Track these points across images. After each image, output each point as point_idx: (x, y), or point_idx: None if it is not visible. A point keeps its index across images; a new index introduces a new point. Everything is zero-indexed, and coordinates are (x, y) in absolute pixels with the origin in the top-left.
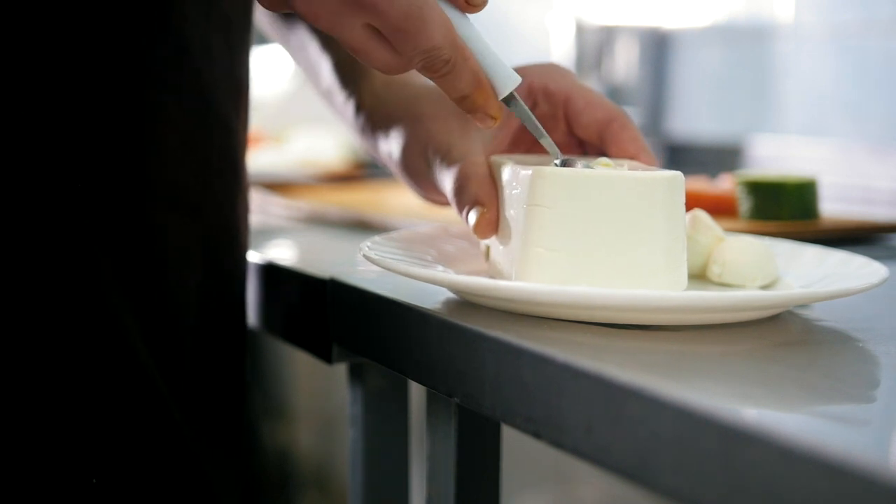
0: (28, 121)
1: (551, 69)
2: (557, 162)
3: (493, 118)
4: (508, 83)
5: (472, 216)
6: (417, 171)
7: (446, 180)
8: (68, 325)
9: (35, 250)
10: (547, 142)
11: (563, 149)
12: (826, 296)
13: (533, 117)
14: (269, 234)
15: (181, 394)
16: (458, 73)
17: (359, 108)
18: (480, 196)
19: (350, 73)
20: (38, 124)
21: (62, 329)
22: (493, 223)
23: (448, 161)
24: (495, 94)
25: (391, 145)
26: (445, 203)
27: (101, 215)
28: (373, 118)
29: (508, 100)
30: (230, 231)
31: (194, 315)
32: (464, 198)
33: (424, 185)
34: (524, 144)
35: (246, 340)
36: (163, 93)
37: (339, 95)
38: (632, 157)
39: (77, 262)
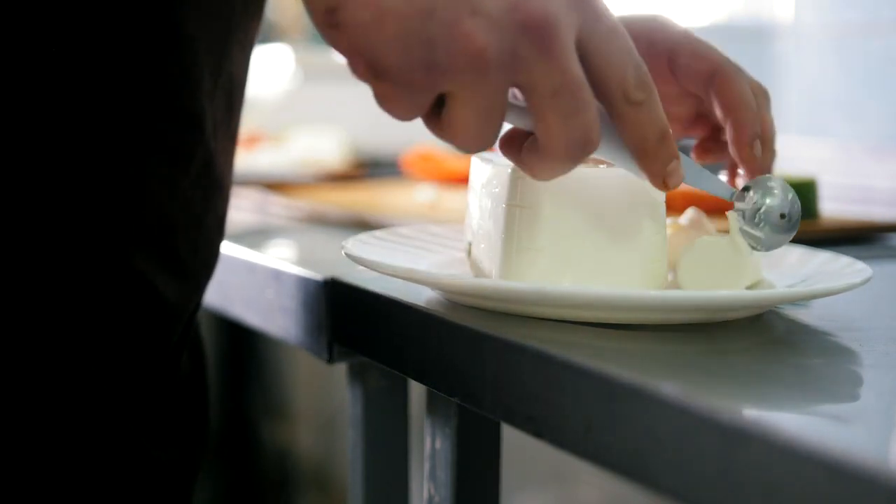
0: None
1: (654, 21)
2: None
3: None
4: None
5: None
6: None
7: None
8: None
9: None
10: (715, 185)
11: (678, 102)
12: (809, 295)
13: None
14: (269, 233)
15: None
16: (654, 102)
17: None
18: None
19: None
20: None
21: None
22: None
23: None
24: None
25: None
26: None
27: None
28: None
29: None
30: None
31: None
32: (668, 149)
33: None
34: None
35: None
36: (174, 167)
37: None
38: (733, 115)
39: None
